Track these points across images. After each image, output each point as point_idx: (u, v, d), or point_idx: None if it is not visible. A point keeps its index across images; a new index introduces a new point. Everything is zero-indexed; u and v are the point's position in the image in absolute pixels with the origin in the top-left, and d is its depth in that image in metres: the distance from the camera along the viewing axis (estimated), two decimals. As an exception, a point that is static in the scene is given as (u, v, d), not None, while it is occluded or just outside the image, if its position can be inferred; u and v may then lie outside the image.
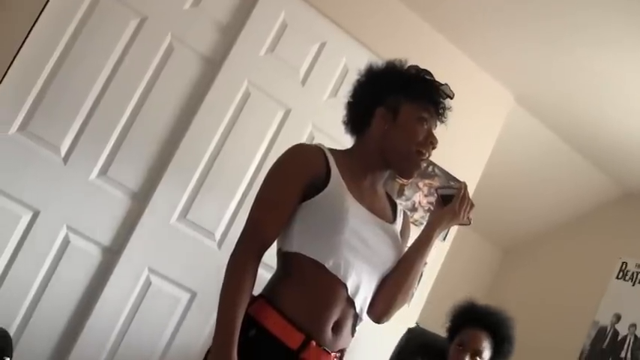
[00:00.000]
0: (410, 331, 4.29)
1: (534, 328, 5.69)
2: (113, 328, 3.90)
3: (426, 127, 2.48)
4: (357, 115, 2.57)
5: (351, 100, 2.60)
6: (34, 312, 3.75)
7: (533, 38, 4.53)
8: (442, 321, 3.79)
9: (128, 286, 3.91)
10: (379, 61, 2.61)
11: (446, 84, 2.54)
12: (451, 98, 2.55)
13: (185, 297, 4.07)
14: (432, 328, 4.24)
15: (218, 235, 4.12)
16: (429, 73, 2.55)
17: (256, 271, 2.29)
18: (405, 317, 4.44)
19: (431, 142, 2.49)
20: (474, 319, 3.63)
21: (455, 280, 5.83)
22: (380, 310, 2.52)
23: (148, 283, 3.97)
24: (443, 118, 2.55)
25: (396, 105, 2.48)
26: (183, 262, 4.04)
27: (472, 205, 2.61)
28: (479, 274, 6.84)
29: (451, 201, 2.59)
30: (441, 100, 2.52)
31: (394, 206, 2.66)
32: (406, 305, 4.14)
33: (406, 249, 2.60)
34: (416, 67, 2.56)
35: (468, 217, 2.61)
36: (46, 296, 3.76)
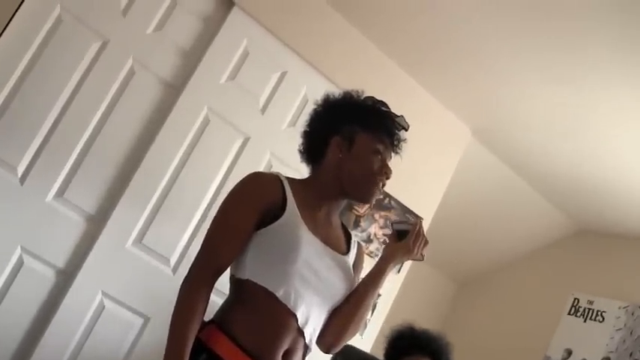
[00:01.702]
0: (342, 349, 4.22)
1: (487, 362, 5.72)
2: (65, 351, 3.85)
3: (380, 157, 2.51)
4: (313, 144, 2.59)
5: (308, 129, 2.62)
6: (-16, 333, 3.71)
7: (490, 74, 4.59)
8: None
9: (81, 310, 3.88)
10: (337, 92, 2.63)
11: (401, 116, 2.57)
12: (406, 130, 2.58)
13: (138, 322, 4.04)
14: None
15: (173, 261, 4.10)
16: (385, 104, 2.58)
17: (209, 296, 2.30)
18: (359, 347, 4.44)
19: (385, 172, 2.51)
20: (417, 346, 3.64)
21: (409, 313, 5.81)
22: (330, 341, 2.54)
23: (101, 307, 3.93)
24: (398, 150, 2.58)
25: (352, 135, 2.50)
26: (137, 286, 4.02)
27: (426, 242, 2.63)
28: (433, 307, 6.86)
29: (406, 236, 2.61)
30: (397, 131, 2.55)
31: (349, 237, 2.67)
32: (359, 335, 4.14)
33: (359, 280, 2.62)
34: (372, 99, 2.59)
35: (421, 254, 2.62)
36: (-3, 317, 3.73)
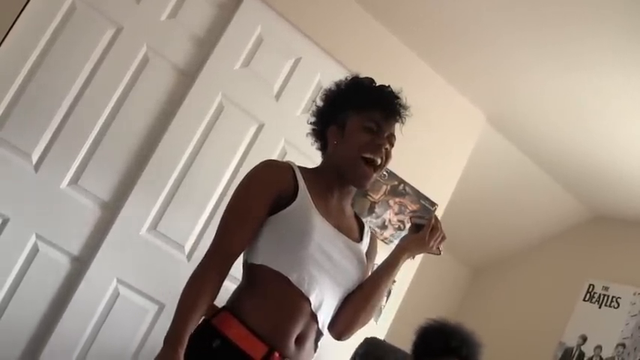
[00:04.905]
0: (367, 341, 4.25)
1: (501, 348, 5.70)
2: (80, 338, 3.87)
3: (371, 134, 2.46)
4: (316, 138, 2.61)
5: (311, 124, 2.63)
6: (0, 320, 3.73)
7: (505, 61, 4.57)
8: (409, 337, 3.77)
9: (96, 297, 3.89)
10: (332, 85, 2.62)
11: (388, 85, 2.55)
12: (396, 97, 2.53)
13: (153, 309, 4.05)
14: (397, 344, 4.24)
15: (188, 248, 4.11)
16: (371, 80, 2.57)
17: (219, 282, 2.31)
18: (374, 333, 4.44)
19: (379, 144, 2.46)
20: (448, 349, 3.58)
21: (423, 298, 5.85)
22: (341, 328, 2.54)
23: (116, 294, 3.95)
24: (397, 117, 2.53)
25: (344, 120, 2.50)
26: (152, 273, 4.03)
27: (444, 237, 2.61)
28: (447, 293, 6.86)
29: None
30: (389, 101, 2.51)
31: (362, 227, 2.66)
32: (373, 322, 4.15)
33: (372, 269, 2.62)
34: (357, 79, 2.58)
35: (437, 248, 2.61)
36: (12, 304, 3.73)
